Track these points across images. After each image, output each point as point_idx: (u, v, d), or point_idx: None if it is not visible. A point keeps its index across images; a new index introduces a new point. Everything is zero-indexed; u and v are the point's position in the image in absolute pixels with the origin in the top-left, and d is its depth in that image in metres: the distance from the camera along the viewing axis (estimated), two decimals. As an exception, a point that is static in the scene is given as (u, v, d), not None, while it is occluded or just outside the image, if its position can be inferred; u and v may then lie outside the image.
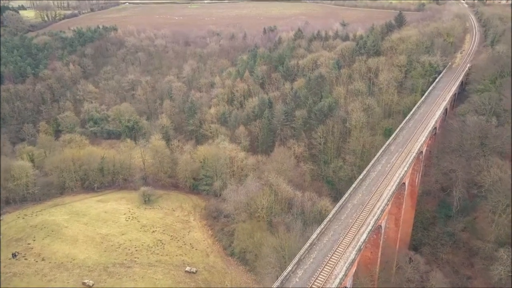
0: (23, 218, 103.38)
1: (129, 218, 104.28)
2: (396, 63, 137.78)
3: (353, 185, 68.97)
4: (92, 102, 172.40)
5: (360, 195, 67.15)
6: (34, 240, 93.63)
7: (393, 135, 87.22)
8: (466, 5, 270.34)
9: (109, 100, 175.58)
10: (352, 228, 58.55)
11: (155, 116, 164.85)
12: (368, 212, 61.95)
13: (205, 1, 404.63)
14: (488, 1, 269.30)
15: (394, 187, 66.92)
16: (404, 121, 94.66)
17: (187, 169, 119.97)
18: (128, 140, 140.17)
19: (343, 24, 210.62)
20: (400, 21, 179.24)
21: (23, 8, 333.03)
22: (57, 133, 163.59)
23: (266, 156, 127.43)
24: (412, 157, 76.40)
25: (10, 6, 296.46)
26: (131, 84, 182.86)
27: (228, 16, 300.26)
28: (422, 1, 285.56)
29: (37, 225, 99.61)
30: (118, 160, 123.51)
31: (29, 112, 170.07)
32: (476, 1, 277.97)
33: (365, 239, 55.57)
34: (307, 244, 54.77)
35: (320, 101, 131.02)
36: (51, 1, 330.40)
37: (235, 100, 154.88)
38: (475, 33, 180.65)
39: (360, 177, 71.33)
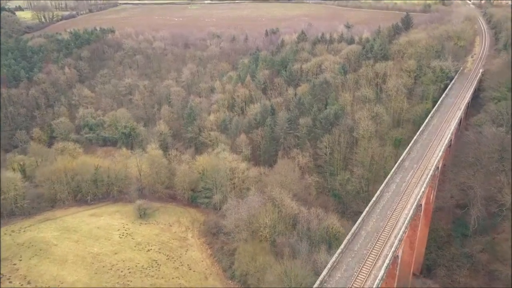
0: (10, 234, 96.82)
1: (123, 235, 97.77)
2: (405, 68, 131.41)
3: (367, 209, 62.48)
4: (87, 107, 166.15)
5: (374, 220, 60.71)
6: (21, 260, 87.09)
7: (406, 149, 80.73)
8: (473, 6, 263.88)
9: (105, 105, 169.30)
10: (368, 262, 52.17)
11: (152, 122, 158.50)
12: (384, 241, 55.56)
13: (205, 2, 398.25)
14: (495, 2, 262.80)
15: (411, 212, 60.51)
16: (417, 133, 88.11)
17: (185, 180, 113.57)
18: (124, 149, 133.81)
19: (348, 26, 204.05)
20: (407, 23, 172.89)
21: (20, 9, 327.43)
22: (52, 139, 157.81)
23: (269, 166, 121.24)
24: (429, 175, 69.99)
25: (6, 7, 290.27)
26: (128, 88, 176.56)
27: (229, 17, 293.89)
28: (428, 2, 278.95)
29: (25, 243, 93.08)
30: (113, 171, 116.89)
31: (23, 118, 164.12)
32: (483, 2, 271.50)
33: (383, 275, 49.16)
34: (317, 283, 48.24)
35: (326, 108, 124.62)
36: (48, 2, 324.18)
37: (236, 106, 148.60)
38: (485, 35, 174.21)
39: (374, 199, 64.81)
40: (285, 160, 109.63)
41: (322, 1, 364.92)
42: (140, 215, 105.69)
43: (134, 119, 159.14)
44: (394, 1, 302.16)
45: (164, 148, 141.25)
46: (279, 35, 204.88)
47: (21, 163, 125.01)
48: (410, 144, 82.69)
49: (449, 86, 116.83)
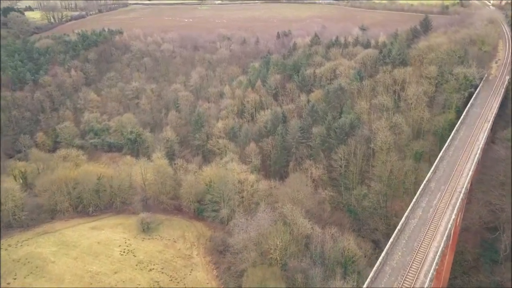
0: (6, 249, 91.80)
1: (124, 252, 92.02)
2: (425, 74, 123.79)
3: (391, 240, 55.58)
4: (93, 112, 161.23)
5: (399, 253, 53.92)
6: (15, 279, 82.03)
7: (432, 168, 73.47)
8: (493, 8, 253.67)
9: (111, 110, 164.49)
10: (395, 306, 45.46)
11: (159, 128, 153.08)
12: (413, 281, 48.65)
13: (216, 2, 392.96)
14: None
15: (442, 244, 53.45)
16: (443, 149, 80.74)
17: (191, 192, 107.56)
18: (128, 157, 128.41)
19: (363, 29, 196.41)
20: (426, 26, 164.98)
21: (30, 9, 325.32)
22: (56, 144, 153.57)
23: (280, 178, 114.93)
24: (459, 200, 62.79)
25: (15, 7, 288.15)
26: (135, 92, 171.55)
27: (239, 19, 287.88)
28: (446, 3, 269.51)
29: (21, 259, 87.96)
30: (116, 181, 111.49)
31: (27, 122, 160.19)
32: (503, 3, 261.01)
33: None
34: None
35: (340, 116, 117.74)
36: (58, 2, 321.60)
37: (246, 112, 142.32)
38: (509, 39, 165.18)
39: (399, 227, 57.90)
40: (297, 173, 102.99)
41: (335, 1, 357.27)
42: (143, 229, 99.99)
43: (140, 124, 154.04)
44: (410, 2, 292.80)
45: (171, 155, 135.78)
46: (291, 37, 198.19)
47: (22, 170, 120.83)
48: (435, 162, 75.43)
49: (474, 95, 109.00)
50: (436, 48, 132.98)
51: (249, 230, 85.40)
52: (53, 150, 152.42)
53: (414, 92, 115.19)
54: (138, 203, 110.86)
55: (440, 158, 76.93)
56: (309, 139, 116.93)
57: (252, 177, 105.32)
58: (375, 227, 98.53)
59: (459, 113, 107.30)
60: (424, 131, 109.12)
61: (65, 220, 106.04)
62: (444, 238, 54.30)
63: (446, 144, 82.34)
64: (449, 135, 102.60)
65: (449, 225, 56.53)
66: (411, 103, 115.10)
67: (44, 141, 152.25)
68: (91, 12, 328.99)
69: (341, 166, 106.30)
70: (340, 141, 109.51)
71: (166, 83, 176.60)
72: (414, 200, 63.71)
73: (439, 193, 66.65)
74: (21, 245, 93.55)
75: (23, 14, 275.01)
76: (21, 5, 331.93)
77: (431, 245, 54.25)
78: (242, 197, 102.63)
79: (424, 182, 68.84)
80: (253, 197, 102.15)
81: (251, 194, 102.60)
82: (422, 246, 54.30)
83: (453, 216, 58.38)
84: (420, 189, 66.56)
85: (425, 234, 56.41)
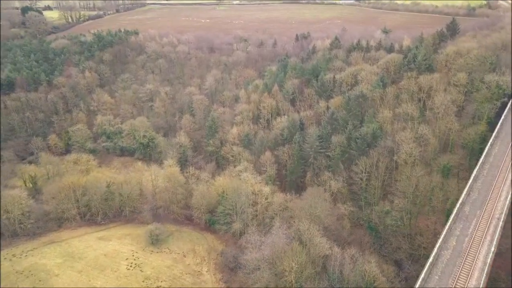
0: (10, 259, 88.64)
1: (131, 266, 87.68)
2: (453, 82, 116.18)
3: (422, 275, 49.27)
4: (106, 114, 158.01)
5: (432, 292, 47.51)
6: (17, 293, 78.77)
7: (465, 189, 66.62)
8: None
9: (124, 112, 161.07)
10: None
11: (173, 132, 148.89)
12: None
13: (234, 2, 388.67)
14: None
15: (482, 284, 46.92)
16: (477, 167, 73.69)
17: (203, 202, 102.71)
18: (140, 163, 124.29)
19: (385, 31, 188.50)
20: (453, 30, 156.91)
21: (49, 8, 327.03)
22: (69, 147, 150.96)
23: (296, 189, 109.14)
24: (498, 228, 56.00)
25: (34, 6, 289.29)
26: (149, 94, 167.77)
27: (257, 20, 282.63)
28: (472, 5, 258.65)
29: (24, 271, 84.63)
30: (126, 189, 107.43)
31: (40, 124, 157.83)
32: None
33: None
34: None
35: (362, 125, 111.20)
36: (76, 2, 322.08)
37: (262, 118, 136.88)
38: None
39: (430, 259, 51.52)
40: (315, 188, 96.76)
41: (356, 2, 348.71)
42: (152, 242, 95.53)
43: (153, 128, 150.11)
44: (434, 3, 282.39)
45: (183, 161, 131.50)
46: (310, 40, 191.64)
47: (32, 174, 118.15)
48: (469, 182, 68.49)
49: (509, 105, 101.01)
50: (465, 54, 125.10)
51: (262, 248, 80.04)
52: (65, 152, 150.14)
53: (442, 100, 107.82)
54: (148, 212, 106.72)
55: (474, 178, 69.89)
56: (328, 149, 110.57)
57: (266, 189, 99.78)
58: (398, 246, 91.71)
59: (491, 125, 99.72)
60: (453, 144, 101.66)
61: (73, 228, 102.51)
62: (484, 276, 47.78)
63: (480, 161, 75.24)
64: (480, 149, 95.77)
65: (488, 260, 49.96)
66: (438, 113, 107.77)
67: (56, 143, 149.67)
68: (109, 12, 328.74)
69: (362, 179, 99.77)
70: (361, 152, 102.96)
71: (180, 86, 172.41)
72: (447, 227, 57.15)
73: (475, 219, 59.91)
74: (26, 256, 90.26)
75: (41, 13, 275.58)
76: (41, 4, 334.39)
77: (468, 282, 47.81)
78: (256, 210, 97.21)
79: (458, 205, 62.03)
80: (267, 211, 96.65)
81: (265, 208, 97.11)
82: (458, 283, 47.88)
83: (492, 248, 51.78)
84: (453, 214, 59.83)
85: (461, 270, 49.94)
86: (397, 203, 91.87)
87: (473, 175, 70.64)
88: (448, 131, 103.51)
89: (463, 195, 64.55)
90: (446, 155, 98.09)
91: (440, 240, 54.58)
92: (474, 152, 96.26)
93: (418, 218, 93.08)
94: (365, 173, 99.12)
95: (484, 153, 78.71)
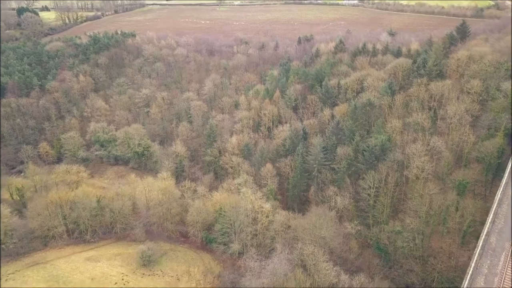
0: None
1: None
2: (467, 89, 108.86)
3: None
4: (100, 121, 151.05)
5: None
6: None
7: (490, 217, 59.37)
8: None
9: (119, 118, 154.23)
10: None
11: (169, 140, 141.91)
12: None
13: (235, 3, 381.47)
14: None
15: None
16: (500, 189, 66.40)
17: (199, 220, 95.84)
18: (133, 175, 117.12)
19: (392, 34, 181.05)
20: (463, 33, 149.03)
21: (46, 9, 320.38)
22: (60, 155, 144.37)
23: (299, 204, 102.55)
24: (532, 266, 48.82)
25: (30, 7, 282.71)
26: (146, 100, 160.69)
27: (258, 21, 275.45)
28: (480, 6, 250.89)
29: (3, 299, 78.19)
30: (117, 204, 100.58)
31: (31, 131, 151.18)
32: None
33: None
34: None
35: (369, 136, 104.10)
36: (74, 2, 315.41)
37: (263, 126, 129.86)
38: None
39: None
40: (320, 207, 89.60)
41: (359, 2, 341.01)
42: (144, 263, 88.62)
43: (149, 135, 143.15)
44: (441, 3, 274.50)
45: (180, 171, 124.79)
46: (313, 43, 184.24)
47: (20, 186, 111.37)
48: (493, 207, 61.27)
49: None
50: (479, 59, 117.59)
51: (262, 275, 73.12)
52: (57, 161, 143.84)
53: (455, 110, 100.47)
54: (140, 229, 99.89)
55: (498, 202, 62.68)
56: (333, 162, 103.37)
57: (267, 206, 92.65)
58: (409, 269, 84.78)
59: (508, 136, 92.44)
60: (467, 157, 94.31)
61: (59, 248, 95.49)
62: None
63: (503, 182, 67.97)
64: (498, 163, 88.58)
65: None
66: (451, 123, 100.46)
67: (47, 151, 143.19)
68: (107, 13, 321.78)
69: (369, 196, 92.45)
70: (369, 165, 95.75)
71: (178, 91, 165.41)
72: (473, 264, 49.93)
73: (504, 252, 52.72)
74: (6, 280, 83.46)
75: (37, 14, 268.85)
76: (38, 4, 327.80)
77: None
78: (256, 230, 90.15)
79: (483, 236, 54.81)
80: (268, 231, 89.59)
81: (266, 227, 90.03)
82: None
83: (528, 292, 44.64)
84: (478, 248, 52.61)
85: (493, 320, 42.86)
86: (409, 223, 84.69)
87: (496, 198, 63.37)
88: (463, 143, 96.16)
89: (487, 224, 57.32)
90: (461, 170, 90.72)
91: (466, 281, 47.41)
92: (491, 167, 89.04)
93: (432, 238, 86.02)
94: (373, 188, 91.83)
95: (508, 170, 71.40)
